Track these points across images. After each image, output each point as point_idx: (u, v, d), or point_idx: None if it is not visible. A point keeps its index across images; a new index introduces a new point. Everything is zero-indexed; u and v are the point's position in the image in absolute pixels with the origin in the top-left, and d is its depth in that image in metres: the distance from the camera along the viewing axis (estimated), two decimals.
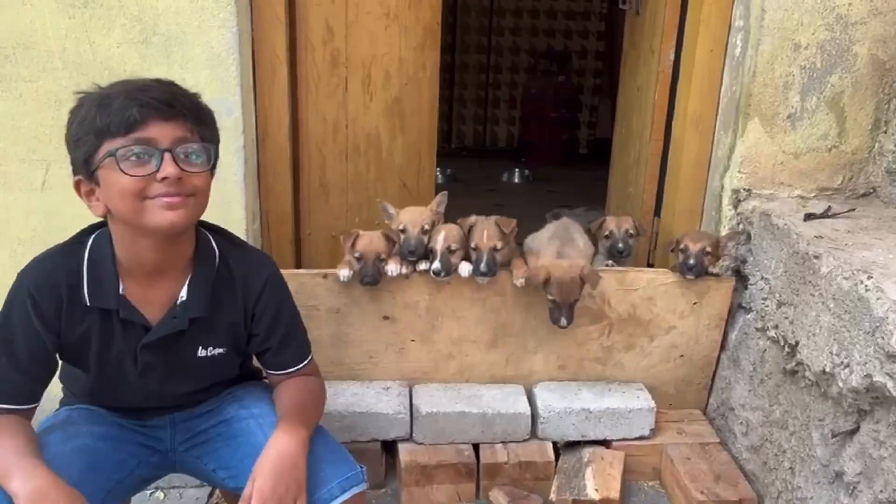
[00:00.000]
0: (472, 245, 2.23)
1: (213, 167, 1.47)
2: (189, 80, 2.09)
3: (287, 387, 1.69)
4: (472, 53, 7.14)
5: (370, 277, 2.18)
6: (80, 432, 1.55)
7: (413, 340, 2.34)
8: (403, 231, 2.24)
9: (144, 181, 1.34)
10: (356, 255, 2.20)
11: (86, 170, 1.39)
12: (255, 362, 1.85)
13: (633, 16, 3.01)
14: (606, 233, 2.49)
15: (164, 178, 1.35)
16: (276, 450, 1.48)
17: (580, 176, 6.17)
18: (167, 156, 1.35)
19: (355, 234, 2.23)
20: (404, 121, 2.61)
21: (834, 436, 1.77)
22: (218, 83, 2.12)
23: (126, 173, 1.33)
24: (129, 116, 1.32)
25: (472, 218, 2.29)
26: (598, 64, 7.25)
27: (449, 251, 2.22)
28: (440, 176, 5.53)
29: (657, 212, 2.78)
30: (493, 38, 7.11)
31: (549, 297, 2.20)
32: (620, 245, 2.44)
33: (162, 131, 1.35)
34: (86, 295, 1.45)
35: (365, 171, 2.64)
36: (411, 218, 2.26)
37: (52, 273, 1.44)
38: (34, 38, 2.04)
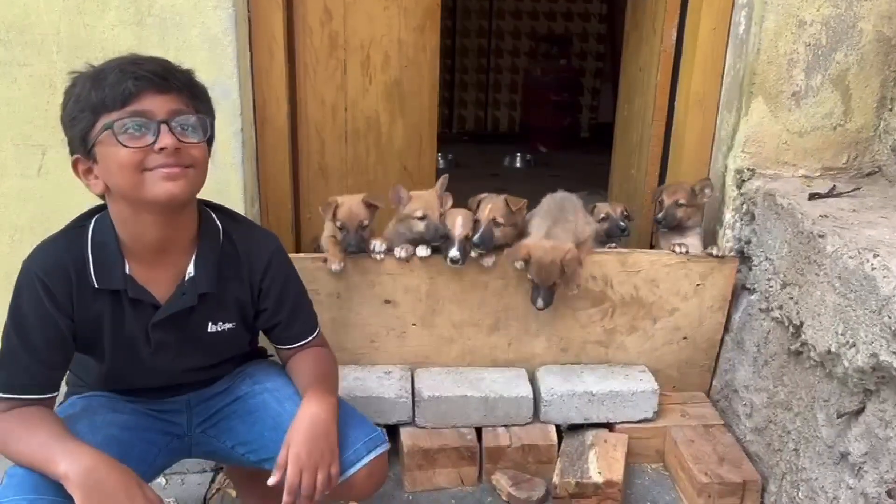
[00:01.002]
0: (475, 218, 2.22)
1: (210, 140, 1.47)
2: (186, 63, 2.03)
3: (302, 359, 1.72)
4: (473, 37, 7.08)
5: (353, 246, 2.16)
6: (106, 421, 1.55)
7: (414, 324, 2.33)
8: (423, 218, 2.18)
9: (142, 153, 1.35)
10: (338, 224, 2.17)
11: (83, 147, 1.38)
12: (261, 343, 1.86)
13: None
14: (602, 215, 2.48)
15: (161, 149, 1.35)
16: (309, 417, 1.52)
17: (582, 160, 6.13)
18: (164, 127, 1.35)
19: (334, 202, 2.18)
20: (404, 103, 2.59)
21: (839, 416, 1.75)
22: (214, 65, 2.10)
23: (124, 145, 1.33)
24: (124, 89, 1.33)
25: (482, 195, 2.28)
26: (600, 47, 7.20)
27: (466, 239, 2.18)
28: (441, 161, 5.51)
29: None
30: (493, 22, 7.05)
31: (529, 277, 2.18)
32: (622, 224, 2.44)
33: (157, 103, 1.35)
34: (93, 278, 1.45)
35: (365, 154, 2.62)
36: (427, 203, 2.20)
37: (59, 257, 1.44)
38: (28, 21, 2.01)
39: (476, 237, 2.17)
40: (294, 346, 1.73)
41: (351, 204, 2.17)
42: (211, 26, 2.07)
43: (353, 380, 2.27)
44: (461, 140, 6.94)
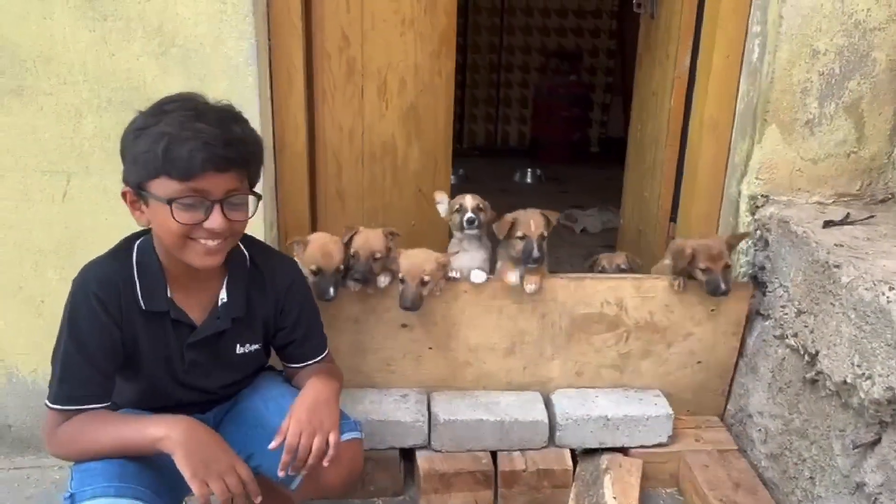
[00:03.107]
0: (519, 235, 2.24)
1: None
2: (207, 92, 2.07)
3: (310, 368, 1.82)
4: (484, 53, 7.13)
5: (359, 274, 2.16)
6: None
7: (430, 348, 2.35)
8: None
9: (191, 227, 1.44)
10: (351, 251, 2.19)
11: (137, 188, 1.45)
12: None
13: (648, 19, 3.00)
14: (598, 269, 2.52)
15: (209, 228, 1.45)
16: (312, 391, 1.66)
17: (592, 174, 6.17)
18: (216, 207, 1.44)
19: (355, 229, 2.20)
20: (420, 127, 2.62)
21: (855, 447, 1.76)
22: (236, 94, 2.13)
23: (176, 220, 1.42)
24: (190, 167, 1.39)
25: (510, 216, 2.30)
26: (610, 62, 7.23)
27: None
28: (452, 177, 5.52)
29: (673, 217, 2.77)
30: (504, 38, 7.10)
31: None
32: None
33: (216, 183, 1.43)
34: (141, 299, 1.54)
35: (381, 177, 2.65)
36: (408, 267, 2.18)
37: (111, 275, 1.53)
38: (55, 51, 2.05)
39: (535, 252, 2.20)
40: (303, 364, 1.83)
41: (369, 235, 2.19)
42: (233, 56, 2.10)
43: (369, 403, 2.29)
44: (472, 155, 6.97)
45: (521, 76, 7.23)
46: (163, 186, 1.41)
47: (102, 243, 2.18)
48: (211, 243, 1.47)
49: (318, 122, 2.53)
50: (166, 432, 1.43)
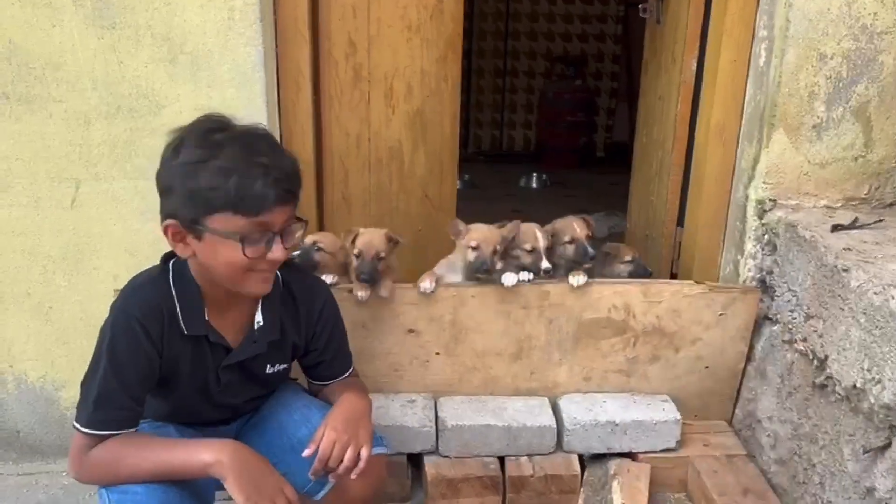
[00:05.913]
0: (528, 248, 2.26)
1: None
2: (216, 98, 2.13)
3: (338, 385, 1.84)
4: (489, 58, 7.13)
5: (367, 275, 2.17)
6: None
7: (438, 353, 2.35)
8: (476, 248, 2.22)
9: (256, 261, 1.45)
10: (355, 252, 2.19)
11: (190, 222, 1.43)
12: None
13: (654, 25, 3.00)
14: (567, 238, 2.34)
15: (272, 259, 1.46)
16: (349, 403, 1.68)
17: (597, 179, 6.16)
18: (278, 239, 1.46)
19: (355, 231, 2.22)
20: (426, 132, 2.63)
21: (865, 452, 1.76)
22: (244, 100, 2.14)
23: (246, 255, 1.42)
24: (263, 203, 1.40)
25: (510, 225, 2.31)
26: (615, 67, 7.23)
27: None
28: (458, 182, 5.53)
29: (680, 221, 2.77)
30: (509, 43, 7.10)
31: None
32: (591, 250, 2.31)
33: (278, 215, 1.45)
34: (182, 323, 1.54)
35: (387, 182, 2.66)
36: (483, 237, 2.23)
37: (154, 301, 1.53)
38: (63, 59, 2.06)
39: (543, 263, 2.25)
40: (331, 382, 1.85)
41: (372, 235, 2.20)
42: (241, 63, 2.11)
43: (376, 408, 2.26)
44: (477, 160, 6.98)
45: (527, 81, 7.23)
46: (224, 221, 1.40)
47: (111, 250, 2.21)
48: (267, 274, 1.51)
49: (325, 129, 2.54)
50: (216, 457, 1.44)
